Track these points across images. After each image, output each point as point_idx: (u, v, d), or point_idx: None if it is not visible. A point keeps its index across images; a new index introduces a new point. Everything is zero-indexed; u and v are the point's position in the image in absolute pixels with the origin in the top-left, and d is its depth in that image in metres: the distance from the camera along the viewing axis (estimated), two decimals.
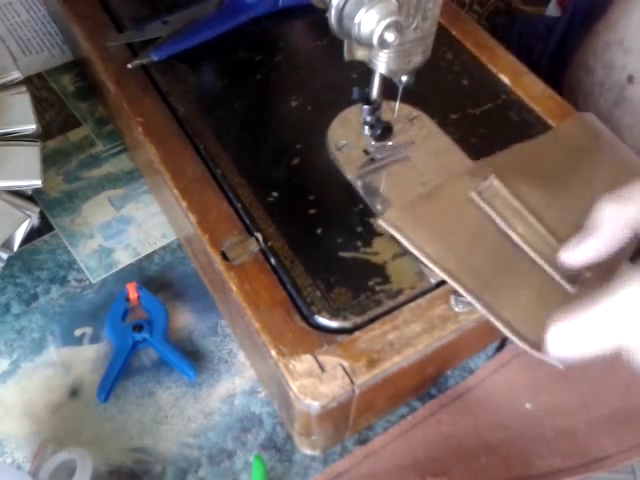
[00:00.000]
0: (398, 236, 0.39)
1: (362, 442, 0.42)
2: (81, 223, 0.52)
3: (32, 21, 0.66)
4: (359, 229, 0.41)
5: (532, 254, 0.38)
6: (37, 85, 0.61)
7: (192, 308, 0.48)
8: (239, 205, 0.42)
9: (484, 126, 0.47)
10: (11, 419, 0.43)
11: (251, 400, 0.44)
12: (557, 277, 0.38)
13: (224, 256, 0.40)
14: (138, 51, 0.50)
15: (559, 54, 0.68)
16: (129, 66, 0.48)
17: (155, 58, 0.48)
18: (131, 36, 0.50)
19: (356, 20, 0.34)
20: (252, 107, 0.48)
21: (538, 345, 0.35)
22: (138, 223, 0.52)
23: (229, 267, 0.39)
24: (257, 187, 0.43)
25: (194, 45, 0.50)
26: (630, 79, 0.60)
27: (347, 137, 0.45)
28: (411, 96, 0.43)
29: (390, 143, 0.45)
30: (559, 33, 0.69)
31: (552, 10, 0.74)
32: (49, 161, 0.55)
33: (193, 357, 0.45)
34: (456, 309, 0.38)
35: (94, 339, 0.46)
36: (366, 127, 0.44)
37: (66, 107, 0.59)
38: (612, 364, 0.45)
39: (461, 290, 0.37)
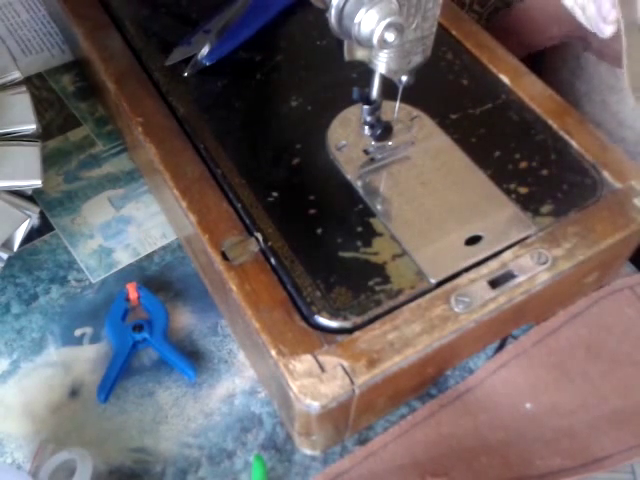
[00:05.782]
0: None
1: (362, 442, 0.42)
2: (81, 223, 0.52)
3: (32, 21, 0.66)
4: (359, 229, 0.41)
5: None
6: (37, 85, 0.61)
7: (192, 308, 0.48)
8: (239, 205, 0.42)
9: (484, 126, 0.47)
10: (11, 419, 0.43)
11: (251, 400, 0.44)
12: None
13: (224, 256, 0.40)
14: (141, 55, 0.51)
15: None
16: (185, 74, 0.49)
17: (207, 63, 0.50)
18: (183, 52, 0.51)
19: (356, 20, 0.34)
20: (252, 107, 0.48)
21: None
22: (138, 223, 0.52)
23: (229, 267, 0.39)
24: (257, 187, 0.43)
25: (238, 45, 0.51)
26: (585, 48, 0.59)
27: (347, 137, 0.45)
28: (411, 96, 0.43)
29: (390, 143, 0.45)
30: None
31: None
32: (49, 161, 0.55)
33: (193, 357, 0.45)
34: (456, 309, 0.38)
35: (94, 339, 0.46)
36: (366, 127, 0.44)
37: (66, 107, 0.59)
38: (612, 364, 0.45)
39: None
